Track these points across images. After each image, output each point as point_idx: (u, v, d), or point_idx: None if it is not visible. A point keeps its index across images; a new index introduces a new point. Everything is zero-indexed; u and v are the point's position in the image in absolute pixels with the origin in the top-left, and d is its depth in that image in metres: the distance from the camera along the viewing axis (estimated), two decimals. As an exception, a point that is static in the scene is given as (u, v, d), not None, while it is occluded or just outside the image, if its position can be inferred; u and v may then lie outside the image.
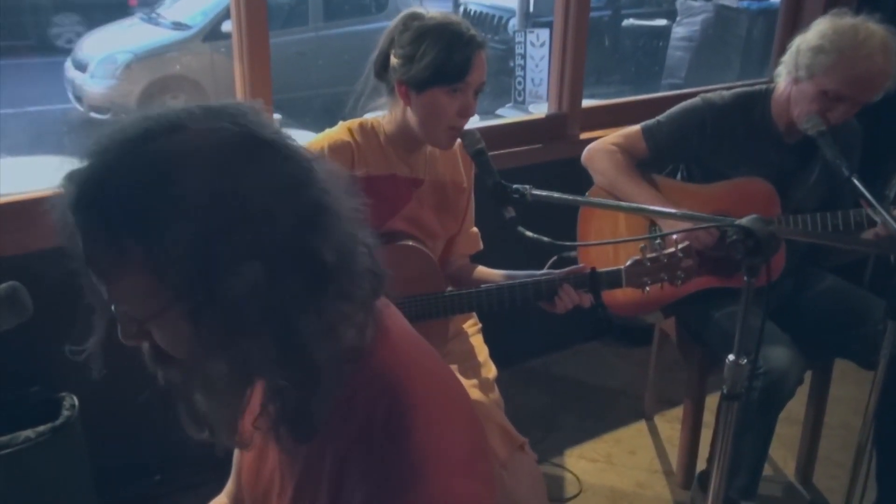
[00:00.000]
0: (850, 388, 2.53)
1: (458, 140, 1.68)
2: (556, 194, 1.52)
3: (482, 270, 1.81)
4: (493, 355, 1.90)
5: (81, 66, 5.71)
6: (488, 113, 6.40)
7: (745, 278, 1.31)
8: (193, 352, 0.77)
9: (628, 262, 1.63)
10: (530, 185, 1.55)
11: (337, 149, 1.65)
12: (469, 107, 1.60)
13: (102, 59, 5.64)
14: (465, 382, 1.69)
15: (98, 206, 0.72)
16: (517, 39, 5.77)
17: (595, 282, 1.63)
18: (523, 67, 5.74)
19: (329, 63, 6.17)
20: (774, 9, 3.42)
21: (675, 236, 1.69)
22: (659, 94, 3.28)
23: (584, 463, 2.37)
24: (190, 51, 5.74)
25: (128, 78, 5.58)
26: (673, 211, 1.48)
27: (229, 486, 1.15)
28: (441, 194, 1.76)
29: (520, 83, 5.81)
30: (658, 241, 1.65)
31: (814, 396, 2.27)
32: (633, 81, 7.10)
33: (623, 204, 1.67)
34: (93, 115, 5.61)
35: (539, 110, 3.96)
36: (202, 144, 0.73)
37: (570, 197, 1.52)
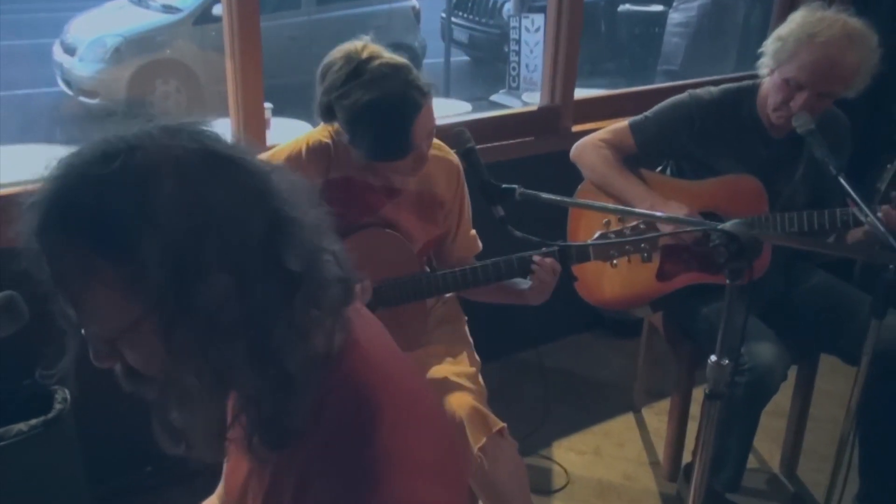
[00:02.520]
0: (838, 381, 2.56)
1: (440, 155, 1.70)
2: (544, 194, 1.53)
3: None
4: (485, 346, 1.91)
5: (70, 50, 5.67)
6: (482, 99, 6.38)
7: (728, 281, 1.32)
8: (166, 366, 0.77)
9: (595, 235, 1.65)
10: (519, 185, 1.56)
11: (315, 150, 1.66)
12: (421, 159, 1.60)
13: (91, 43, 5.60)
14: (450, 369, 1.71)
15: (63, 228, 0.73)
16: (512, 24, 5.74)
17: (564, 256, 1.65)
18: (518, 53, 5.71)
19: (322, 49, 6.14)
20: (770, -5, 3.42)
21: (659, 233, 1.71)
22: (652, 87, 3.28)
23: (572, 455, 2.40)
24: (180, 34, 5.70)
25: (117, 62, 5.54)
26: (658, 214, 1.49)
27: (220, 488, 1.17)
28: (418, 203, 1.75)
29: (514, 69, 5.79)
30: (644, 246, 1.65)
31: (799, 390, 2.30)
32: (629, 69, 7.08)
33: (610, 206, 1.69)
34: (82, 99, 5.57)
35: (533, 99, 3.95)
36: (162, 161, 0.74)
37: (558, 198, 1.53)
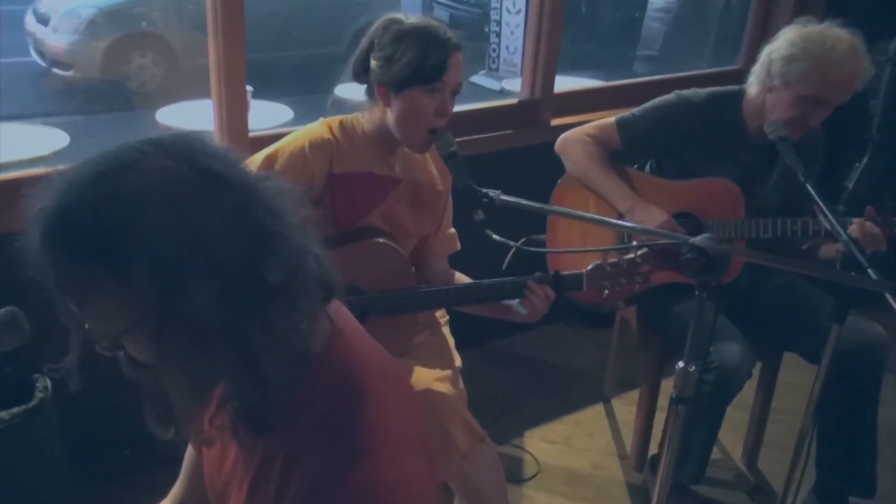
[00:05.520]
0: (801, 374, 2.63)
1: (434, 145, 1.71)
2: (523, 201, 1.56)
3: (461, 279, 1.87)
4: (459, 335, 1.96)
5: (43, 20, 5.54)
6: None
7: (697, 293, 1.38)
8: (159, 363, 0.86)
9: (590, 267, 1.69)
10: (500, 190, 1.60)
11: (317, 146, 1.69)
12: (446, 106, 1.65)
13: (65, 13, 5.47)
14: (434, 374, 1.76)
15: (66, 243, 0.81)
16: (493, 5, 5.72)
17: (558, 284, 1.69)
18: (498, 35, 5.71)
19: (303, 26, 6.09)
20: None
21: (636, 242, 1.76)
22: (631, 81, 3.32)
23: (543, 444, 2.47)
24: (157, 6, 5.60)
25: (92, 33, 5.43)
26: (634, 226, 1.54)
27: (176, 489, 1.24)
28: (417, 195, 1.80)
29: (494, 50, 5.78)
30: (624, 243, 1.70)
31: (763, 384, 2.38)
32: (608, 52, 7.09)
33: (586, 215, 1.74)
34: (55, 70, 5.48)
35: (513, 86, 3.97)
36: (154, 182, 0.81)
37: (537, 205, 1.57)
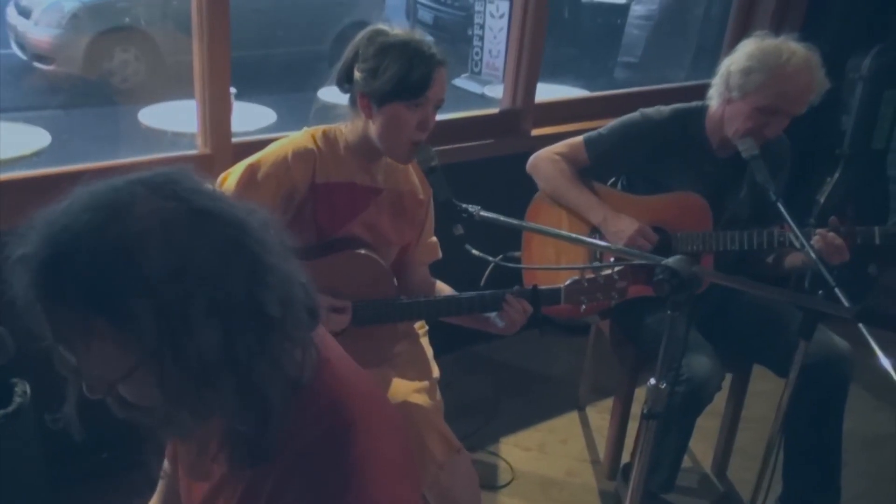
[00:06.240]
0: (771, 383, 2.68)
1: None
2: (502, 217, 1.60)
3: (441, 287, 1.90)
4: (438, 340, 1.99)
5: (25, 13, 5.49)
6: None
7: (669, 312, 1.42)
8: (161, 404, 0.85)
9: (568, 282, 1.73)
10: (479, 206, 1.63)
11: (300, 155, 1.71)
12: (428, 121, 1.67)
13: (48, 7, 5.42)
14: (412, 385, 1.79)
15: (60, 295, 0.79)
16: (476, 9, 5.76)
17: (536, 298, 1.73)
18: (481, 38, 5.74)
19: (287, 25, 6.07)
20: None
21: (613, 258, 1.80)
22: (611, 92, 3.36)
23: (518, 451, 2.51)
24: (141, 2, 5.57)
25: (75, 28, 5.38)
26: (607, 245, 1.58)
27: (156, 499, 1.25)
28: (399, 204, 1.83)
29: (477, 54, 5.81)
30: (597, 259, 1.74)
31: (733, 394, 2.44)
32: (589, 58, 7.14)
33: (563, 233, 1.77)
34: (36, 64, 5.43)
35: (495, 93, 4.00)
36: (152, 226, 0.80)
37: (516, 222, 1.61)
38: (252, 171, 1.68)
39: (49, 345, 0.83)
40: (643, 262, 1.52)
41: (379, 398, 1.03)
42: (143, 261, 0.78)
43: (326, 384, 0.95)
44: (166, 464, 1.20)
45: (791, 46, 1.98)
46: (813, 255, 1.78)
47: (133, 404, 0.88)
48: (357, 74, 1.66)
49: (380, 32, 1.66)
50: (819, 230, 1.99)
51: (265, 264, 0.86)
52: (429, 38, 1.70)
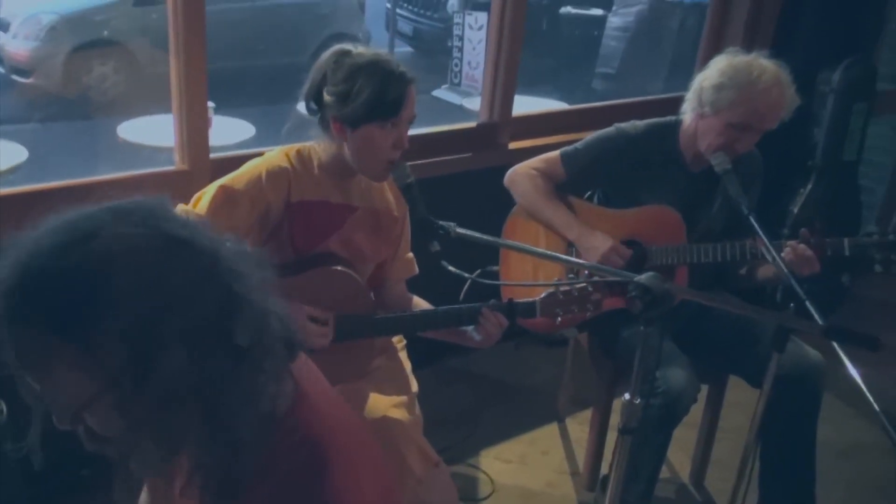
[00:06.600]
0: (747, 393, 2.71)
1: None
2: (478, 234, 1.62)
3: (418, 302, 1.91)
4: (417, 353, 2.00)
5: (3, 26, 5.47)
6: (424, 93, 6.42)
7: (643, 328, 1.44)
8: (125, 434, 0.85)
9: (543, 295, 1.75)
10: (455, 223, 1.65)
11: (274, 174, 1.71)
12: (403, 139, 1.68)
13: (26, 19, 5.41)
14: (391, 400, 1.80)
15: (25, 320, 0.79)
16: (455, 20, 5.80)
17: (511, 312, 1.75)
18: (461, 49, 5.78)
19: (264, 35, 6.08)
20: (706, 5, 3.57)
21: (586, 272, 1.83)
22: (589, 105, 3.40)
23: (498, 464, 2.52)
24: (120, 15, 5.56)
25: (53, 40, 5.36)
26: (583, 262, 1.60)
27: None
28: (374, 221, 1.84)
29: (456, 65, 5.86)
30: (571, 274, 1.77)
31: (710, 405, 2.47)
32: (567, 69, 7.21)
33: (538, 250, 1.80)
34: (14, 77, 5.40)
35: (474, 105, 4.03)
36: (119, 250, 0.80)
37: (492, 238, 1.63)
38: (226, 191, 1.68)
39: (17, 372, 0.83)
40: (616, 279, 1.54)
41: (359, 436, 1.01)
42: (109, 283, 0.78)
43: (303, 418, 0.93)
44: (144, 494, 1.20)
45: (762, 63, 2.03)
46: (784, 268, 1.81)
47: (101, 436, 0.87)
48: (327, 98, 1.65)
49: (345, 53, 1.66)
50: (790, 242, 2.03)
51: (237, 294, 0.85)
52: (394, 56, 1.71)
